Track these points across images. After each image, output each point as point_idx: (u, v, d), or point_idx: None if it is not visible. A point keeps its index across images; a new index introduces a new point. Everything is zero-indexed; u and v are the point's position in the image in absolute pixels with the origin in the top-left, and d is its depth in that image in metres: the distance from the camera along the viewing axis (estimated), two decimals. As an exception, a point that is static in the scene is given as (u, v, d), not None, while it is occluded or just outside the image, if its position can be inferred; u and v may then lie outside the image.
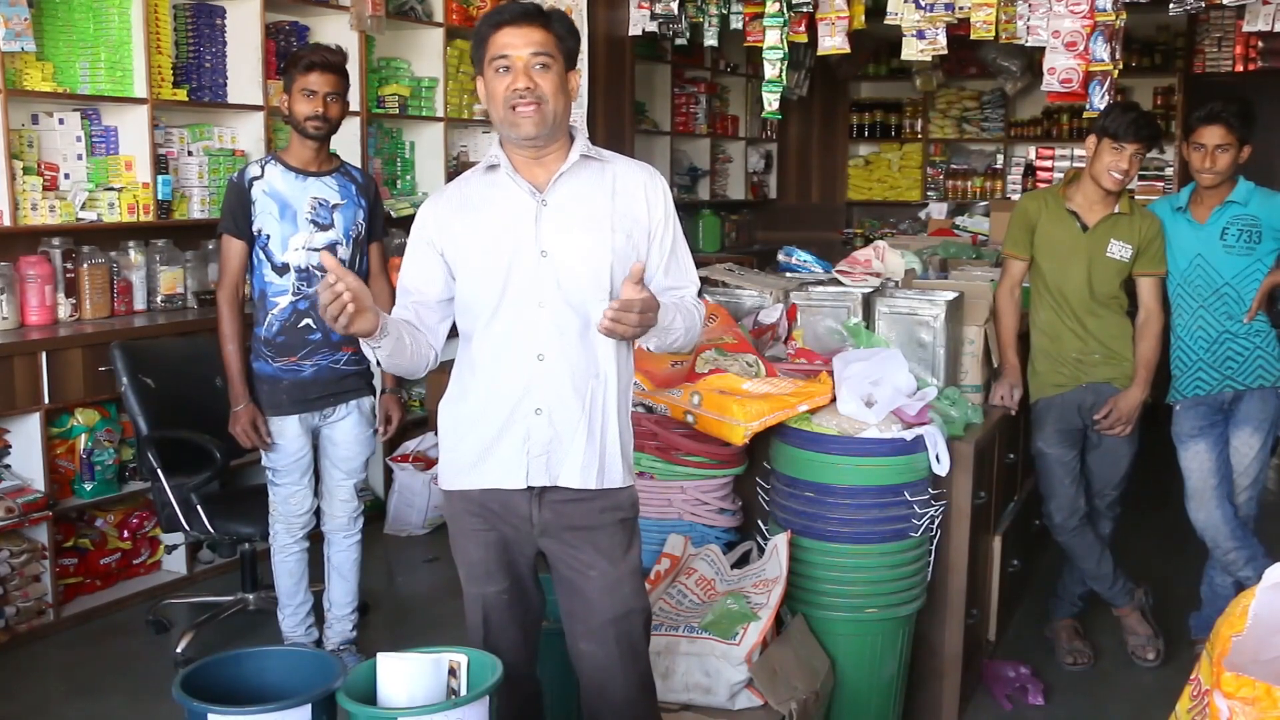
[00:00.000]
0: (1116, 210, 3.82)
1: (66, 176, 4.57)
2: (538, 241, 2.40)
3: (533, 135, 2.38)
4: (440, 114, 6.08)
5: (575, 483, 2.45)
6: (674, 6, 5.55)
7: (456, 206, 2.49)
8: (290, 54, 3.67)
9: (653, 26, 5.66)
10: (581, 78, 5.17)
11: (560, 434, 2.43)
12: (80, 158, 4.60)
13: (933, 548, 3.38)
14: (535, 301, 2.40)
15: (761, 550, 3.40)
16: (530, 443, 2.43)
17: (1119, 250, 3.82)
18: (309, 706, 2.22)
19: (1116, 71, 4.76)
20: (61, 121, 4.58)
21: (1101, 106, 4.57)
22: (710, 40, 5.95)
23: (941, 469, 3.26)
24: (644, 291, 2.28)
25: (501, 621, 2.58)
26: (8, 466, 4.21)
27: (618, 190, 2.47)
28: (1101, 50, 4.70)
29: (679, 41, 6.23)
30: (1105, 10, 4.66)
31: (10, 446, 4.22)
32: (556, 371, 2.41)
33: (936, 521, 3.36)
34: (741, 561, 3.45)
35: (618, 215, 2.44)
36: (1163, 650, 4.05)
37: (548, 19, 2.40)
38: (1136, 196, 4.24)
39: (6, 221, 4.25)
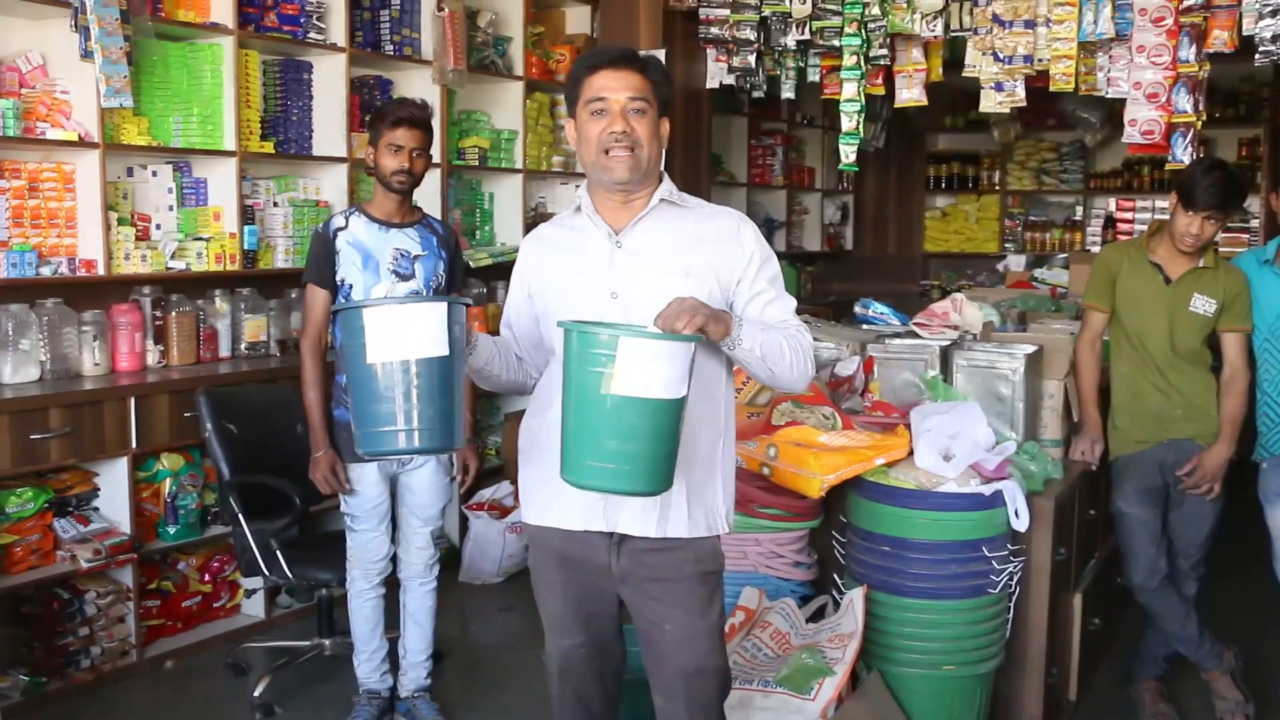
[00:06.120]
0: (1201, 264, 3.76)
1: (158, 227, 4.71)
2: (609, 283, 2.42)
3: (625, 180, 2.40)
4: (519, 166, 6.17)
5: (634, 530, 2.42)
6: (751, 60, 5.58)
7: (546, 247, 2.56)
8: (377, 108, 3.73)
9: (730, 79, 5.71)
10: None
11: None
12: (171, 209, 4.74)
13: (1011, 604, 3.33)
14: None
15: (837, 604, 3.37)
16: None
17: (1203, 305, 3.75)
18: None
19: (1200, 123, 4.70)
20: (155, 174, 4.72)
21: (1185, 158, 4.51)
22: (787, 93, 5.97)
23: (1021, 525, 3.22)
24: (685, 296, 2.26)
25: (580, 674, 2.58)
26: (96, 509, 4.31)
27: (704, 237, 2.45)
28: (1184, 101, 4.64)
29: (756, 94, 6.27)
30: (1188, 61, 4.61)
31: (99, 489, 4.32)
32: None
33: (1015, 578, 3.30)
34: (817, 615, 3.42)
35: (700, 262, 2.42)
36: (1253, 716, 3.93)
37: (645, 64, 2.41)
38: (1221, 249, 4.17)
39: (101, 270, 4.38)
